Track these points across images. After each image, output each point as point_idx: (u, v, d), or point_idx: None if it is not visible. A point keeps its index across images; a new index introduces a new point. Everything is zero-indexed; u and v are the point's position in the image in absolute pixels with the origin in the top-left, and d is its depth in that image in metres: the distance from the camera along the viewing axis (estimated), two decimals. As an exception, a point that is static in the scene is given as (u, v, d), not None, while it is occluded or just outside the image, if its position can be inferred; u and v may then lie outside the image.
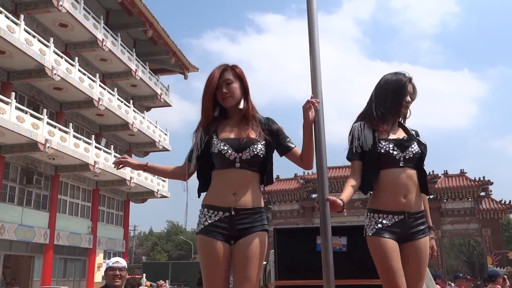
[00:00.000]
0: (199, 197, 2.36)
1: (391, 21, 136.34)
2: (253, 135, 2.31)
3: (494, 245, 32.31)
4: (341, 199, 2.29)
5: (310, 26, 2.43)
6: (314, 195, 35.61)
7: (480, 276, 28.09)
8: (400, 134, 2.59)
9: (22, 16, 17.40)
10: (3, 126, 15.81)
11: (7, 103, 16.31)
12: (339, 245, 4.16)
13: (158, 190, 27.64)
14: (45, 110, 18.74)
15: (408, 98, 2.58)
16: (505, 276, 7.95)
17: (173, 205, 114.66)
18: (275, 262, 4.47)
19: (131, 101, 26.25)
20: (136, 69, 25.11)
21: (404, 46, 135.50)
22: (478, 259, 41.44)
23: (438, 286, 8.51)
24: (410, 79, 2.59)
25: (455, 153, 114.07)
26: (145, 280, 21.84)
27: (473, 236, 35.28)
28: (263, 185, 2.35)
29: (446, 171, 35.55)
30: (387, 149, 2.49)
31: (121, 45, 23.85)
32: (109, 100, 22.89)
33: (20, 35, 16.89)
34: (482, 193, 34.06)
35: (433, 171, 34.62)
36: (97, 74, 22.66)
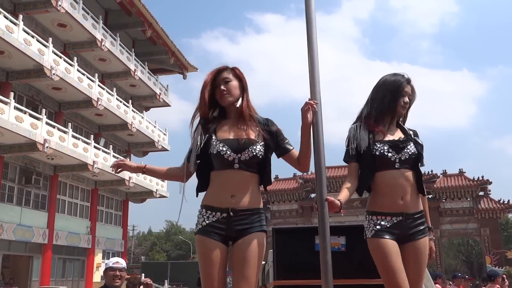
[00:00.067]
0: (197, 196, 2.36)
1: (390, 21, 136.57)
2: (252, 135, 2.31)
3: (492, 245, 32.35)
4: (338, 200, 2.30)
5: (309, 26, 2.43)
6: (313, 195, 35.60)
7: (479, 276, 28.09)
8: (397, 135, 2.58)
9: (20, 16, 17.38)
10: (1, 126, 15.78)
11: (6, 103, 16.29)
12: (337, 245, 4.17)
13: (157, 190, 27.63)
14: (44, 110, 18.72)
15: (406, 99, 2.58)
16: (504, 276, 7.96)
17: (172, 205, 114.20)
18: (273, 262, 4.47)
19: (130, 101, 26.22)
20: (135, 69, 25.10)
21: (403, 46, 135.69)
22: (477, 259, 41.49)
23: (438, 285, 8.52)
24: (408, 80, 2.59)
25: (454, 152, 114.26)
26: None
27: (472, 236, 35.30)
28: (262, 186, 2.35)
29: (445, 170, 35.60)
30: (382, 151, 2.49)
31: (120, 45, 23.83)
32: (108, 100, 22.87)
33: (18, 35, 16.87)
34: (481, 193, 34.10)
35: (432, 171, 34.69)
36: (96, 74, 22.64)
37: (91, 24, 21.22)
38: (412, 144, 2.54)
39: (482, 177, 33.98)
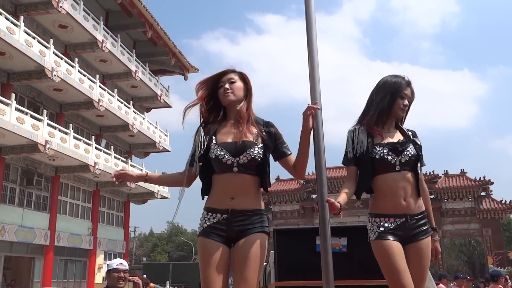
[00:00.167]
0: (202, 199, 2.38)
1: (391, 21, 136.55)
2: (250, 138, 2.31)
3: (494, 245, 32.30)
4: (338, 202, 2.30)
5: (308, 27, 2.44)
6: (314, 196, 35.57)
7: (481, 276, 28.07)
8: (396, 137, 2.58)
9: (21, 18, 17.39)
10: (3, 128, 15.80)
11: (7, 104, 16.31)
12: (338, 245, 4.16)
13: (158, 191, 27.63)
14: (45, 111, 18.73)
15: (406, 102, 2.59)
16: (507, 276, 7.94)
17: (174, 206, 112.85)
18: (275, 262, 4.46)
19: (131, 102, 26.25)
20: (136, 70, 25.11)
21: (404, 46, 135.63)
22: (479, 259, 41.39)
23: (443, 286, 8.51)
24: (408, 83, 2.59)
25: (455, 153, 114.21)
26: (145, 281, 21.81)
27: (474, 236, 35.26)
28: (262, 188, 2.35)
29: (447, 171, 35.56)
30: (382, 154, 2.49)
31: (121, 46, 23.85)
32: (109, 101, 22.89)
33: (20, 36, 16.89)
34: (483, 193, 34.07)
35: (433, 171, 34.65)
36: (97, 75, 22.65)
37: (92, 25, 21.25)
38: (411, 145, 2.54)
39: (484, 177, 33.95)
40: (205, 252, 2.24)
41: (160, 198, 28.63)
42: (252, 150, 2.27)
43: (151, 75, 27.64)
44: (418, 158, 2.53)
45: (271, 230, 3.40)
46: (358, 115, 2.67)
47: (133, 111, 25.29)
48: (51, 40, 18.94)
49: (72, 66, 20.12)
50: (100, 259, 24.59)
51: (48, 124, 18.40)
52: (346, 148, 2.58)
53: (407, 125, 2.70)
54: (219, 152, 2.28)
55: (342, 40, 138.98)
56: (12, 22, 16.73)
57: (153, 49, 28.09)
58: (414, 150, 2.52)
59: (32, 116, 17.61)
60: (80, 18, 20.27)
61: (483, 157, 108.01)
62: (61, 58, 19.45)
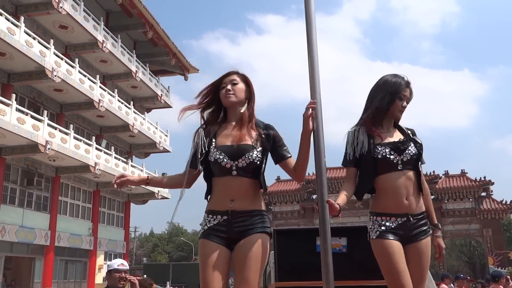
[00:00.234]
0: (206, 199, 2.38)
1: (391, 22, 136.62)
2: (249, 141, 2.31)
3: (495, 246, 32.27)
4: (338, 204, 2.29)
5: (308, 27, 2.44)
6: (314, 196, 35.43)
7: (481, 277, 28.02)
8: (396, 136, 2.58)
9: (22, 18, 17.40)
10: (3, 128, 15.81)
11: (7, 105, 16.31)
12: (339, 246, 4.16)
13: (158, 191, 27.63)
14: (45, 112, 18.73)
15: (404, 104, 2.59)
16: (508, 277, 7.93)
17: (174, 207, 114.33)
18: (275, 263, 4.46)
19: (132, 102, 26.25)
20: (136, 71, 25.12)
21: (404, 46, 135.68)
22: (479, 260, 41.34)
23: (445, 286, 8.51)
24: (407, 83, 2.59)
25: (455, 153, 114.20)
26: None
27: (474, 237, 35.23)
28: (262, 190, 2.35)
29: (447, 171, 35.54)
30: (384, 154, 2.49)
31: (121, 46, 23.86)
32: (110, 102, 22.89)
33: (20, 37, 16.90)
34: (483, 193, 34.04)
35: (434, 171, 34.61)
36: (98, 76, 22.66)
37: (92, 25, 21.26)
38: (412, 144, 2.54)
39: (484, 177, 33.92)
40: (205, 254, 2.24)
41: (161, 198, 28.63)
42: (250, 154, 2.27)
43: (152, 76, 27.65)
44: (419, 156, 2.53)
45: (271, 230, 3.40)
46: (359, 116, 2.67)
47: (134, 112, 25.30)
48: (52, 41, 18.95)
49: (72, 66, 20.13)
50: (100, 260, 24.59)
51: (49, 125, 18.40)
52: (346, 150, 2.58)
53: (407, 125, 2.70)
54: (218, 156, 2.29)
55: (342, 40, 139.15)
56: (12, 23, 16.74)
57: (153, 50, 28.11)
58: (415, 149, 2.52)
59: (32, 117, 17.61)
60: (81, 18, 20.28)
61: (483, 157, 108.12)
62: (62, 59, 19.45)
